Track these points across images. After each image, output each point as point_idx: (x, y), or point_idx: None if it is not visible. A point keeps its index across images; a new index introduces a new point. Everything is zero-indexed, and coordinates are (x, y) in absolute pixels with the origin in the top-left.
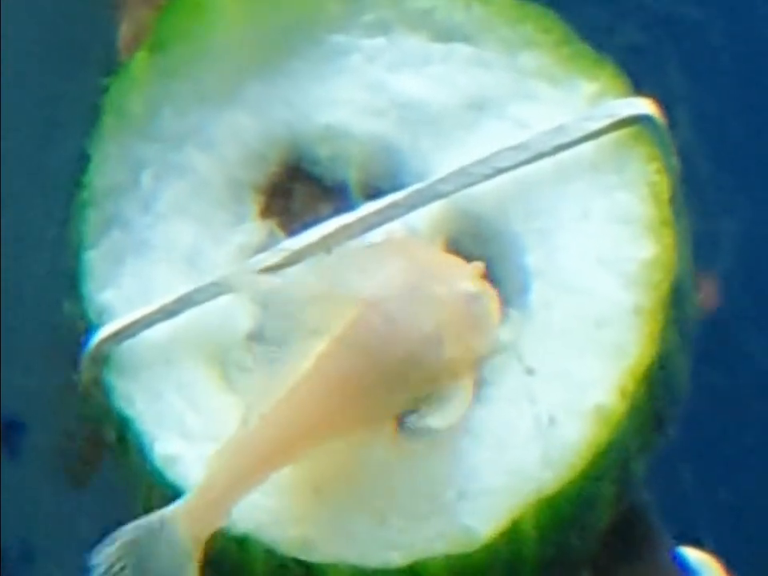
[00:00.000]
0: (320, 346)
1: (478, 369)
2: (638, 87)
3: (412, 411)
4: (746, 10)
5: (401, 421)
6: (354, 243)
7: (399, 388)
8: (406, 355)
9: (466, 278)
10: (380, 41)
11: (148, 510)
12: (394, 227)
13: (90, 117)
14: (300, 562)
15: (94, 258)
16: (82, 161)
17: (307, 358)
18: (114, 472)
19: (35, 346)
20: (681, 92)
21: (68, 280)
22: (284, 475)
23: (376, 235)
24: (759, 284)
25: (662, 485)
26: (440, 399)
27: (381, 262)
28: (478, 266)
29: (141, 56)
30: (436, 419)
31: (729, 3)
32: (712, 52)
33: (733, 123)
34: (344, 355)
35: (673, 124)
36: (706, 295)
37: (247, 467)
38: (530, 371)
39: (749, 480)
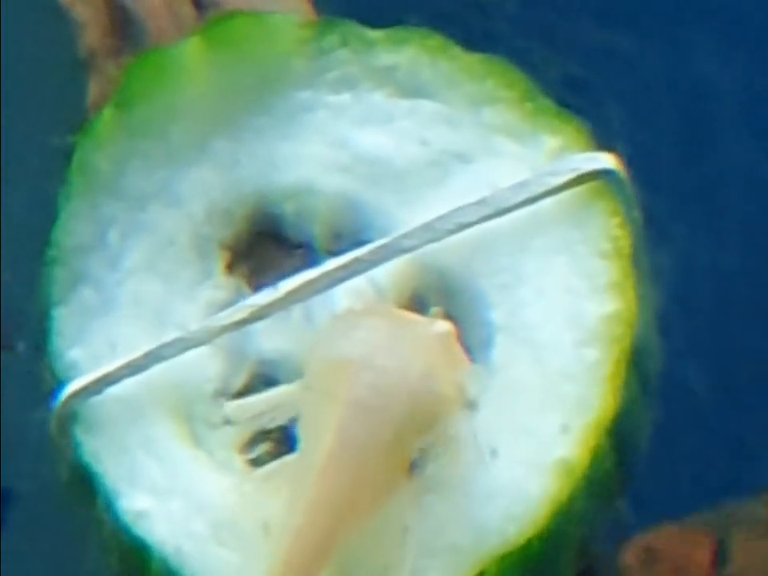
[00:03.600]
0: (327, 421)
1: (465, 410)
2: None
3: (418, 463)
4: (683, 42)
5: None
6: (323, 317)
7: (411, 436)
8: (407, 399)
9: (435, 320)
10: (345, 97)
11: (116, 566)
12: (359, 283)
13: (60, 173)
14: None
15: (62, 316)
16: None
17: (317, 435)
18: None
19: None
20: (618, 125)
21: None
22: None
23: (341, 293)
24: (694, 318)
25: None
26: (442, 446)
27: (356, 324)
28: (447, 324)
29: (107, 113)
30: (447, 467)
31: (665, 35)
32: (648, 84)
33: (668, 155)
34: (355, 421)
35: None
36: None
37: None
38: (492, 426)
39: None
